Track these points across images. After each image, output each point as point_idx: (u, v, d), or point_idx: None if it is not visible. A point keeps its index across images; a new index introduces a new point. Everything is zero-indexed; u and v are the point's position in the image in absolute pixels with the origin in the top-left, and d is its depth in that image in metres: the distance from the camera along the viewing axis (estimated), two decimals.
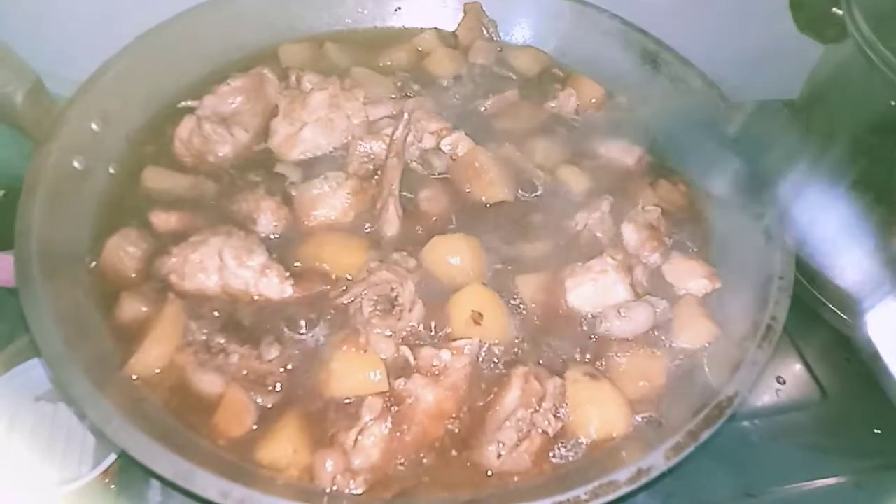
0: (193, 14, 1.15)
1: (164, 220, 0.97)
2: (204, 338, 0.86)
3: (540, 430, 0.81)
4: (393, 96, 1.16)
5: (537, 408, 0.81)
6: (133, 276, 0.92)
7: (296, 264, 0.94)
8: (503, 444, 0.79)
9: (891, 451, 1.06)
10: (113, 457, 0.87)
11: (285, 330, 0.88)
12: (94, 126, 1.01)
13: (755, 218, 0.82)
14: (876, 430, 1.08)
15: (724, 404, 0.80)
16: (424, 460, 0.80)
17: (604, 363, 0.90)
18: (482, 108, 1.18)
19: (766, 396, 1.11)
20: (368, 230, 0.99)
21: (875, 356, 0.73)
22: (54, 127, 0.96)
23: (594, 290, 0.93)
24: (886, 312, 0.73)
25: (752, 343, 0.86)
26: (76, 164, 0.97)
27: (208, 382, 0.83)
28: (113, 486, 0.90)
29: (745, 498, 0.99)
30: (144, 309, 0.88)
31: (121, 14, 1.13)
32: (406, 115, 1.04)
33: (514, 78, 1.24)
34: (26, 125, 0.94)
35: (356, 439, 0.78)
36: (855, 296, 0.75)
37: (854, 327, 0.75)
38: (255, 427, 0.81)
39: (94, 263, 0.92)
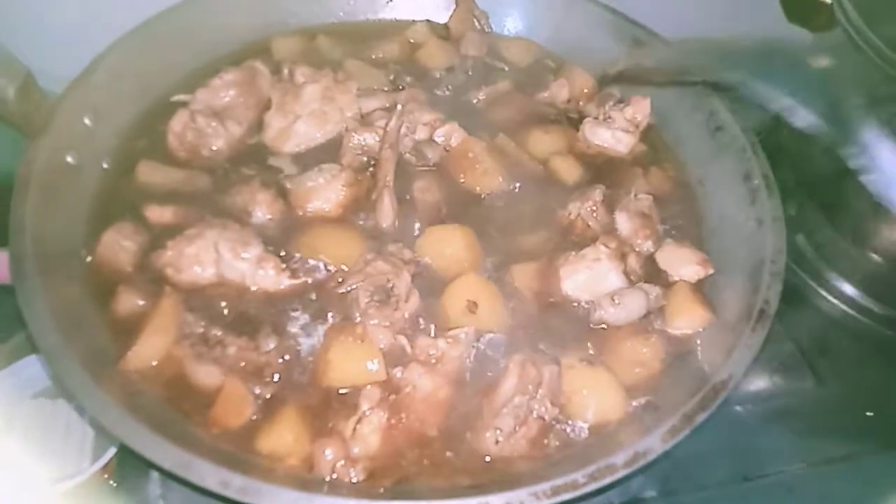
0: (185, 7, 1.15)
1: (158, 213, 0.97)
2: (201, 330, 0.86)
3: (537, 416, 0.81)
4: (386, 88, 1.16)
5: (534, 394, 0.81)
6: (129, 269, 0.92)
7: (292, 256, 0.94)
8: (501, 431, 0.79)
9: (883, 433, 1.07)
10: (112, 450, 0.87)
11: (282, 321, 0.88)
12: (86, 121, 1.00)
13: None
14: (868, 413, 1.10)
15: (718, 387, 0.80)
16: (423, 447, 0.81)
17: (599, 350, 0.90)
18: (475, 100, 1.18)
19: (761, 382, 1.11)
20: (363, 222, 0.99)
21: None
22: (46, 122, 0.95)
23: (588, 279, 0.94)
24: None
25: (746, 327, 0.86)
26: (69, 159, 0.97)
27: (206, 374, 0.83)
28: (112, 482, 0.90)
29: (742, 481, 1.00)
30: (141, 302, 0.88)
31: (112, 9, 1.12)
32: (399, 107, 1.04)
33: (507, 69, 1.25)
34: (18, 120, 0.93)
35: (355, 428, 0.79)
36: None
37: None
38: (254, 417, 0.81)
39: (89, 258, 0.92)
